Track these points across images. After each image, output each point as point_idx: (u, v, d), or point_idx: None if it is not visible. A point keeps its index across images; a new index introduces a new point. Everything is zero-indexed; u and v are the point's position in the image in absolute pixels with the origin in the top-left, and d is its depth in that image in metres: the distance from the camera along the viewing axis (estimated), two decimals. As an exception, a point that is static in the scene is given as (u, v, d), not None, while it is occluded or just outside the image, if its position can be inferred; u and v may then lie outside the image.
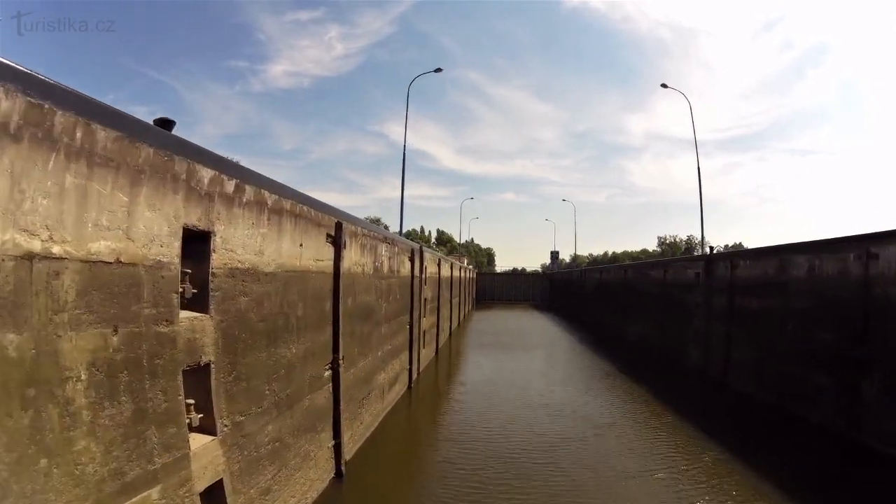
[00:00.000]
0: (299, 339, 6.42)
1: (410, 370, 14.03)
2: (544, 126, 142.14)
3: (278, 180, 6.05)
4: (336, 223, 7.39)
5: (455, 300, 29.31)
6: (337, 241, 7.35)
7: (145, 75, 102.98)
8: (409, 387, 13.98)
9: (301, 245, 6.38)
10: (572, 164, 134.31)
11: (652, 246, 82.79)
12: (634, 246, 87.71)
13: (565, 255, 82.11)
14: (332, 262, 7.29)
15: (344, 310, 7.74)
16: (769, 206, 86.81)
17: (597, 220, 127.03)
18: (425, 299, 16.87)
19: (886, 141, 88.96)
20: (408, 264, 13.70)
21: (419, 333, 15.55)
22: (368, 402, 9.72)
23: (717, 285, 19.06)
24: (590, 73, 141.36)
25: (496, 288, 65.90)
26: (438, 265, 20.28)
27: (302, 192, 6.69)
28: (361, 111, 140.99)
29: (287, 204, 6.07)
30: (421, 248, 15.90)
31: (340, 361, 7.55)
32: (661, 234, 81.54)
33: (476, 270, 63.07)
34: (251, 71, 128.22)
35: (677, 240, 77.80)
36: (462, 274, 35.30)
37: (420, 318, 15.83)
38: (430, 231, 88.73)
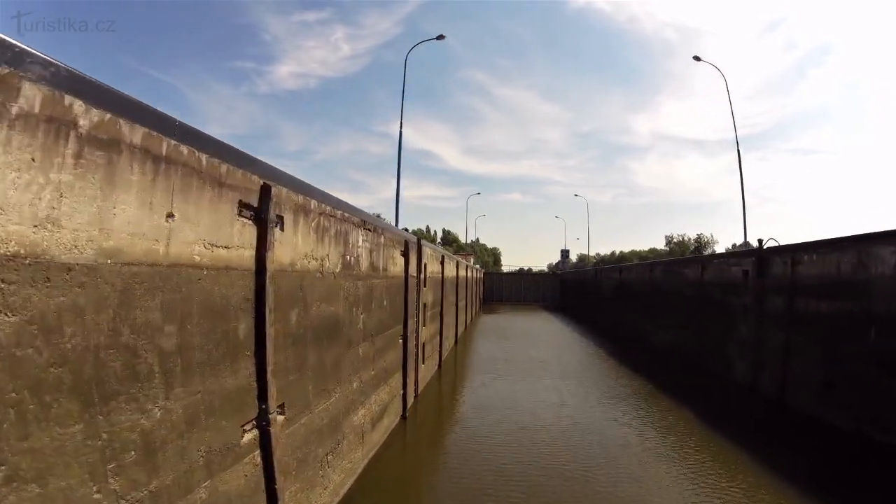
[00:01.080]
0: (172, 390, 3.47)
1: (405, 395, 11.06)
2: (550, 126, 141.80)
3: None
4: (262, 186, 4.42)
5: (462, 303, 26.31)
6: (262, 217, 4.39)
7: (147, 75, 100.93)
8: (404, 416, 11.02)
9: (171, 216, 3.42)
10: (577, 164, 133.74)
11: (659, 245, 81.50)
12: (640, 245, 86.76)
13: (572, 255, 79.64)
14: (252, 252, 4.33)
15: (282, 330, 4.80)
16: (771, 206, 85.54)
17: (602, 220, 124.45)
18: (425, 305, 13.90)
19: (887, 141, 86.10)
20: (400, 261, 10.74)
21: (417, 348, 12.59)
22: (339, 456, 6.77)
23: (773, 285, 16.09)
24: (595, 74, 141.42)
25: (504, 288, 62.83)
26: (441, 263, 17.31)
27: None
28: (367, 112, 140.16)
29: (135, 134, 3.13)
30: (419, 240, 12.94)
31: (272, 415, 4.60)
32: (669, 234, 79.82)
33: (483, 270, 60.06)
34: (257, 72, 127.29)
35: (685, 238, 76.03)
36: (469, 274, 32.30)
37: (418, 329, 12.87)
38: (435, 231, 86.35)
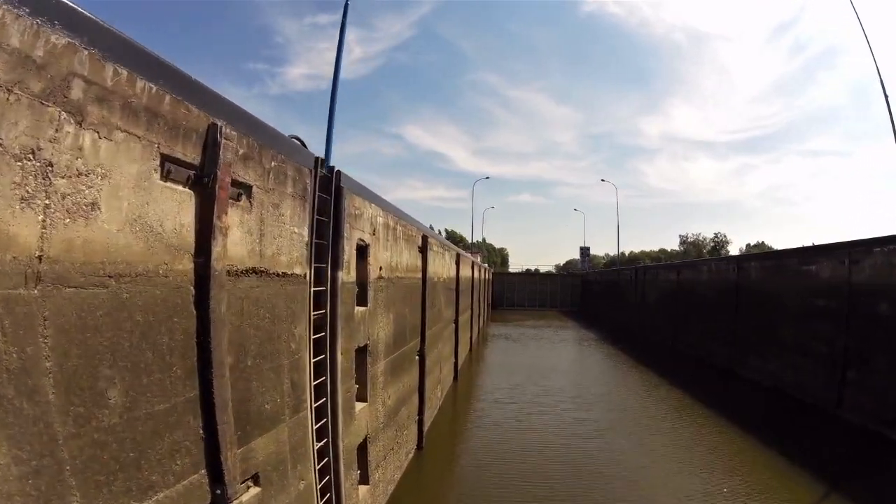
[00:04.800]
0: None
1: None
2: (561, 128, 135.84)
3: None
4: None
5: (465, 316, 18.03)
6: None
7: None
8: None
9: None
10: (588, 166, 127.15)
11: (670, 246, 78.44)
12: (650, 246, 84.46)
13: (578, 255, 74.48)
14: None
15: None
16: (783, 208, 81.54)
17: (612, 221, 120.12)
18: (366, 349, 5.56)
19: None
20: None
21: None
22: None
23: None
24: (606, 76, 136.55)
25: (515, 292, 54.08)
26: (422, 252, 8.93)
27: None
28: (378, 114, 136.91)
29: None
30: (335, 177, 4.66)
31: None
32: (684, 233, 74.66)
33: (491, 270, 51.52)
34: (269, 73, 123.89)
35: (700, 238, 71.58)
36: (476, 274, 23.90)
37: (309, 436, 4.56)
38: (439, 230, 78.73)
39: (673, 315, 24.77)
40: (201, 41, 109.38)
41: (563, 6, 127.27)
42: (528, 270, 66.71)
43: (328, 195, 4.80)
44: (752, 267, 18.00)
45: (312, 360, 4.51)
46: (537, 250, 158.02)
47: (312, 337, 4.49)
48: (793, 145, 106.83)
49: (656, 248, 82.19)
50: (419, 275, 8.55)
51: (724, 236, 70.46)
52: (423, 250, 8.70)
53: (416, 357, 8.43)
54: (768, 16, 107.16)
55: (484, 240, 79.54)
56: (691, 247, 70.71)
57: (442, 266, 11.66)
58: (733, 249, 66.22)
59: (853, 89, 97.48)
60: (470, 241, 61.86)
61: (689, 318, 22.83)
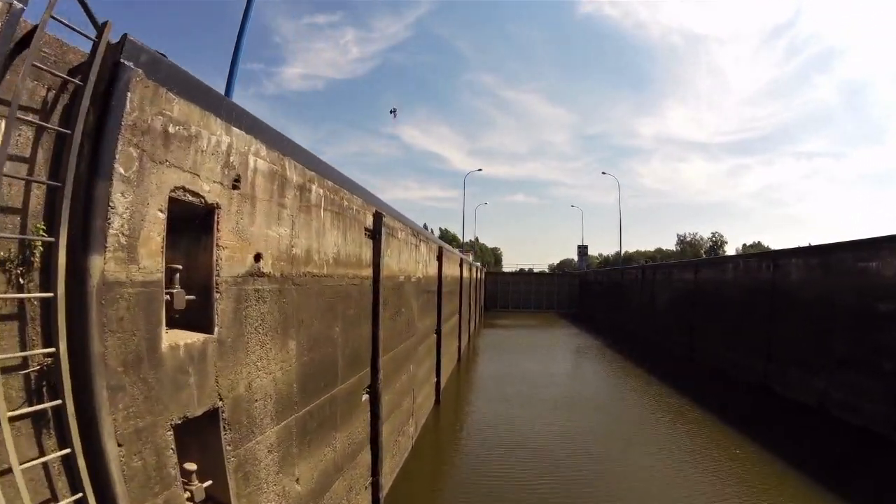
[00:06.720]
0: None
1: None
2: (555, 129, 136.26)
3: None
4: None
5: (451, 322, 15.22)
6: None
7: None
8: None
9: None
10: (583, 167, 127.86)
11: (665, 246, 78.16)
12: (645, 246, 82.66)
13: (571, 255, 73.83)
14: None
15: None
16: (778, 209, 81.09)
17: (606, 221, 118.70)
18: (226, 432, 2.72)
19: (891, 145, 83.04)
20: None
21: None
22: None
23: None
24: (601, 78, 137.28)
25: (509, 293, 51.13)
26: (375, 238, 6.08)
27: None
28: (374, 114, 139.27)
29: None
30: (105, 44, 1.82)
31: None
32: (682, 233, 74.25)
33: (484, 270, 48.60)
34: (265, 73, 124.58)
35: (697, 238, 71.71)
36: (466, 273, 21.04)
37: None
38: (432, 229, 76.08)
39: (690, 320, 21.94)
40: (199, 41, 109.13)
41: (559, 7, 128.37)
42: (520, 270, 64.10)
43: (81, 80, 1.96)
44: (791, 264, 15.23)
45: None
46: (531, 251, 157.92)
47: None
48: (787, 147, 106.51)
49: (652, 248, 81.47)
50: (368, 272, 5.70)
51: (721, 236, 70.08)
52: (375, 235, 5.85)
53: (365, 396, 5.59)
54: (764, 19, 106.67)
55: (477, 239, 77.09)
56: (688, 246, 69.98)
57: (415, 261, 8.80)
58: (729, 250, 65.92)
59: (848, 91, 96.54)
60: (462, 239, 59.11)
61: (710, 324, 20.03)
